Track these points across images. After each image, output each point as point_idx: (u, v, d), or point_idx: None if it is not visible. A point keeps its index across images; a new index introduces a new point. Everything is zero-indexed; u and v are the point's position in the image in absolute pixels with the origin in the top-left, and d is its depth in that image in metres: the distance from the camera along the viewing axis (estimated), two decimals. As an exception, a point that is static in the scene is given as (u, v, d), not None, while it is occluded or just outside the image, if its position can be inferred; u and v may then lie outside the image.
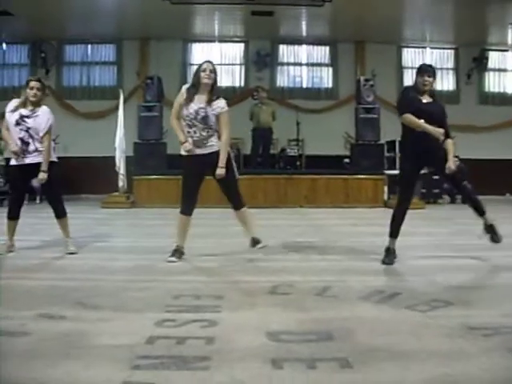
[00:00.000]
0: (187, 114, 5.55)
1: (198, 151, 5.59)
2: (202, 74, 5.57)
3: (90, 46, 16.72)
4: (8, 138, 5.93)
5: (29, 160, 5.92)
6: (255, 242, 5.84)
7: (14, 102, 5.94)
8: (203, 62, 5.73)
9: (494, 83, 17.60)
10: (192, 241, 5.84)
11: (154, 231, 8.17)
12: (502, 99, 17.36)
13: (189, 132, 5.60)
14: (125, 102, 13.51)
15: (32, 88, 5.88)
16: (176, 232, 5.75)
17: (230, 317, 3.63)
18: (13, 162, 6.00)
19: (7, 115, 5.91)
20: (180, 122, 5.65)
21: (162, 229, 8.08)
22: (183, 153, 5.65)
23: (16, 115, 5.86)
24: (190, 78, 16.42)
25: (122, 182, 12.56)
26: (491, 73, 17.60)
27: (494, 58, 17.56)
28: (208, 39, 16.62)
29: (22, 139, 5.87)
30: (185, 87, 5.67)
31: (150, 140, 13.18)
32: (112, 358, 2.80)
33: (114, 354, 2.87)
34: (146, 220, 9.89)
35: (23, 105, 5.91)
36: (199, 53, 16.87)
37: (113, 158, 12.47)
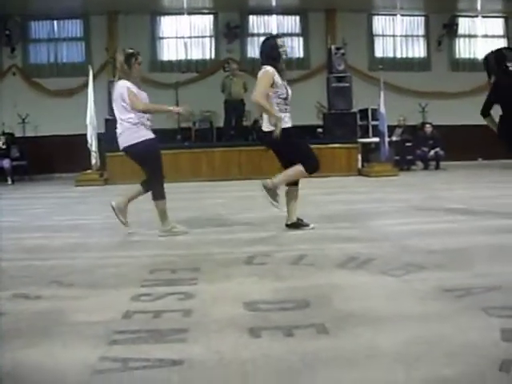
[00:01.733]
0: (282, 92, 5.55)
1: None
2: (281, 51, 5.59)
3: (56, 22, 16.44)
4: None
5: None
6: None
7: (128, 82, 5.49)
8: (274, 38, 5.76)
9: (464, 50, 17.71)
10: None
11: (128, 207, 8.11)
12: (472, 65, 17.44)
13: (286, 110, 5.61)
14: (94, 78, 13.36)
15: (140, 63, 5.62)
16: None
17: (207, 289, 3.63)
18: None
19: (137, 92, 5.52)
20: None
21: (135, 205, 8.02)
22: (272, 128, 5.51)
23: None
24: (160, 52, 16.33)
25: (94, 160, 12.45)
26: (461, 39, 17.68)
27: (464, 25, 17.64)
28: (177, 12, 16.43)
29: None
30: (271, 68, 5.52)
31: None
32: (89, 335, 2.79)
33: (91, 330, 2.86)
34: (120, 197, 9.81)
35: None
36: (168, 26, 16.69)
37: (85, 136, 12.34)
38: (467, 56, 17.66)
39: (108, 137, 12.76)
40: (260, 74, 5.52)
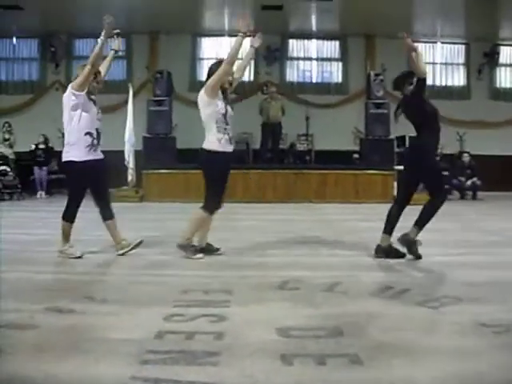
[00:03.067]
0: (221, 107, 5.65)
1: None
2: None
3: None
4: None
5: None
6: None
7: None
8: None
9: (505, 78, 17.48)
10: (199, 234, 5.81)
11: (163, 225, 8.17)
12: (512, 95, 17.24)
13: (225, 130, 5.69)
14: (134, 96, 13.55)
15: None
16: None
17: (239, 312, 3.61)
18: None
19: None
20: None
21: (170, 223, 8.08)
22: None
23: None
24: (199, 73, 16.50)
25: (131, 177, 12.58)
26: (502, 68, 17.48)
27: (505, 53, 17.44)
28: (217, 33, 16.58)
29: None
30: None
31: (159, 134, 13.20)
32: (121, 353, 2.80)
33: (123, 348, 2.86)
34: (155, 214, 9.89)
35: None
36: (209, 47, 16.87)
37: (122, 152, 12.49)
38: (508, 85, 17.44)
39: (145, 155, 12.96)
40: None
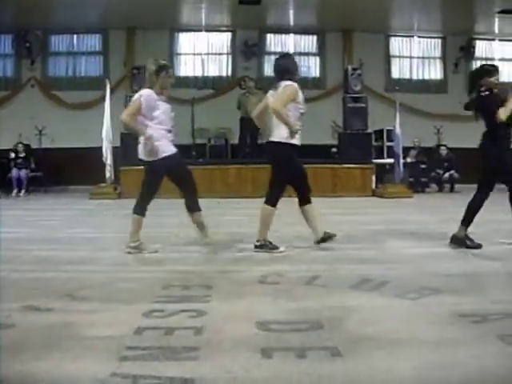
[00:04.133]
0: (302, 107, 5.75)
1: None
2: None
3: (75, 36, 16.60)
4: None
5: None
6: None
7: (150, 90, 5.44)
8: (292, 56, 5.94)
9: (481, 72, 17.58)
10: (181, 230, 5.80)
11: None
12: (489, 88, 17.36)
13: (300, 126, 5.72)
14: (111, 92, 13.44)
15: (171, 76, 5.63)
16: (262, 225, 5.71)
17: (219, 306, 3.61)
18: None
19: (153, 104, 5.43)
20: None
21: (148, 219, 8.02)
22: (295, 142, 5.64)
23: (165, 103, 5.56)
24: (177, 68, 16.42)
25: (109, 173, 12.48)
26: (478, 62, 17.58)
27: (481, 47, 17.60)
28: (195, 28, 16.56)
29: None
30: (296, 85, 5.61)
31: (137, 131, 13.10)
32: (100, 350, 2.77)
33: (102, 345, 2.84)
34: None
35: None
36: (186, 42, 16.80)
37: (100, 149, 12.39)
38: (484, 79, 17.57)
39: (123, 151, 12.87)
40: (284, 86, 5.48)
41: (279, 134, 5.57)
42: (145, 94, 5.36)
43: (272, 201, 5.60)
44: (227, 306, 3.64)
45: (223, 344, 2.87)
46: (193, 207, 5.51)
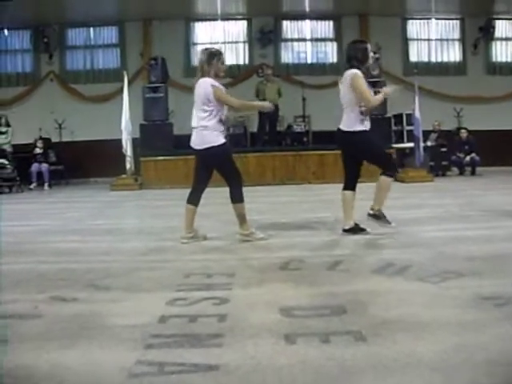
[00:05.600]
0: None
1: None
2: (371, 55, 5.71)
3: (92, 29, 16.64)
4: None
5: None
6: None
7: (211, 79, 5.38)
8: (365, 43, 5.83)
9: (501, 53, 17.38)
10: (200, 220, 5.82)
11: (163, 212, 8.19)
12: (509, 69, 17.15)
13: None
14: (129, 83, 13.48)
15: (223, 62, 5.55)
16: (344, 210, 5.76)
17: (242, 294, 3.63)
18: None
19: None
20: None
21: (170, 209, 8.08)
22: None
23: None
24: (193, 58, 16.42)
25: (129, 165, 12.56)
26: (498, 42, 17.37)
27: (500, 27, 17.31)
28: (211, 18, 16.50)
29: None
30: (359, 72, 5.52)
31: (155, 121, 13.19)
32: (125, 338, 2.81)
33: (128, 334, 2.88)
34: (155, 201, 9.90)
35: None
36: (202, 32, 16.78)
37: (120, 141, 12.46)
38: (504, 60, 17.35)
39: (143, 142, 12.94)
40: (351, 77, 5.51)
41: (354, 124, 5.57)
42: (212, 81, 5.31)
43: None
44: (249, 293, 3.66)
45: (247, 331, 2.90)
46: (235, 198, 5.50)
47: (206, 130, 5.34)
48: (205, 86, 5.30)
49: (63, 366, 2.50)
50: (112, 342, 2.78)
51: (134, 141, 12.75)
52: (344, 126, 5.60)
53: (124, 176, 12.58)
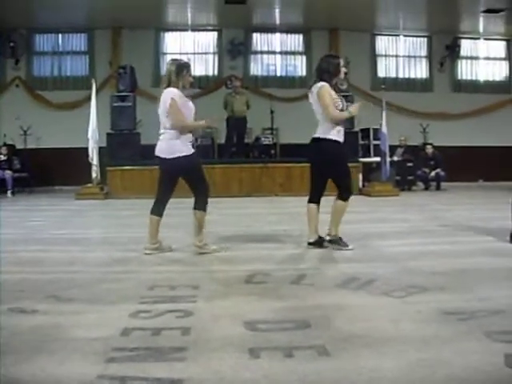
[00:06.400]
0: (339, 104, 5.67)
1: None
2: (343, 70, 5.75)
3: (60, 36, 16.47)
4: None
5: None
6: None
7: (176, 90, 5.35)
8: (337, 58, 5.85)
9: (466, 71, 17.73)
10: (167, 231, 5.78)
11: (129, 222, 8.10)
12: (474, 87, 17.52)
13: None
14: (97, 92, 13.36)
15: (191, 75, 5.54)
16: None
17: (206, 306, 3.60)
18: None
19: (182, 103, 5.35)
20: None
21: (136, 220, 8.01)
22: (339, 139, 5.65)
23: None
24: (163, 68, 16.36)
25: (95, 173, 12.41)
26: (464, 61, 17.73)
27: (466, 46, 17.68)
28: (181, 28, 16.49)
29: None
30: (327, 85, 5.60)
31: (123, 130, 13.08)
32: (86, 352, 2.76)
33: (89, 347, 2.82)
34: (120, 211, 9.80)
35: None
36: (172, 42, 16.75)
37: (86, 149, 12.31)
38: (469, 78, 17.70)
39: (109, 151, 12.82)
40: (318, 89, 5.58)
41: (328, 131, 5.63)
42: (176, 93, 5.29)
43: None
44: (214, 305, 3.64)
45: (211, 344, 2.87)
46: (198, 205, 5.46)
47: (174, 139, 5.31)
48: (167, 96, 5.29)
49: (20, 381, 2.44)
50: (73, 355, 2.72)
51: (101, 150, 12.61)
52: (318, 134, 5.66)
53: (89, 185, 12.42)
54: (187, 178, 5.49)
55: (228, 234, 6.06)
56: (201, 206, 5.44)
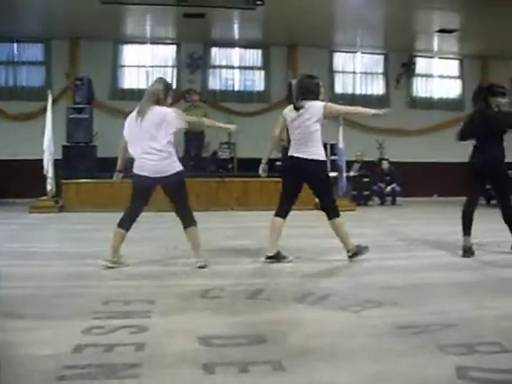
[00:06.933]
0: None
1: None
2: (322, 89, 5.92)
3: (16, 45, 16.19)
4: None
5: None
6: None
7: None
8: (317, 78, 6.02)
9: (421, 88, 18.10)
10: (123, 245, 5.71)
11: (84, 236, 7.97)
12: (428, 104, 17.88)
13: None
14: (53, 103, 13.14)
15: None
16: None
17: (161, 322, 3.56)
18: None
19: None
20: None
21: (91, 233, 7.90)
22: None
23: None
24: (120, 81, 16.26)
25: (50, 186, 12.18)
26: (419, 78, 18.09)
27: (421, 64, 18.06)
28: (140, 41, 16.40)
29: None
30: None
31: (79, 143, 12.91)
32: (37, 370, 2.69)
33: (39, 365, 2.76)
34: (76, 225, 9.64)
35: None
36: (130, 54, 16.64)
37: (41, 161, 12.09)
38: (424, 95, 18.06)
39: (65, 163, 12.62)
40: (323, 106, 5.77)
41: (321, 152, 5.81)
42: (170, 109, 5.44)
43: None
44: (169, 321, 3.60)
45: (165, 360, 2.84)
46: (190, 222, 5.55)
47: (171, 156, 5.37)
48: (164, 113, 5.34)
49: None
50: (23, 373, 2.65)
51: (56, 162, 12.41)
52: (309, 155, 5.74)
53: (44, 198, 12.20)
54: (177, 192, 5.52)
55: (185, 248, 6.00)
56: (192, 221, 5.52)
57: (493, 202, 11.03)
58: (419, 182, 15.89)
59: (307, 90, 5.80)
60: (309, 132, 5.72)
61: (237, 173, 13.95)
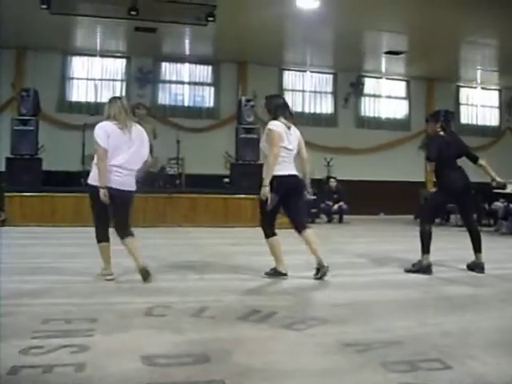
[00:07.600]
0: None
1: None
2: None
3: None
4: None
5: None
6: None
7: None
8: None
9: (369, 108, 18.44)
10: (68, 261, 5.59)
11: (27, 251, 7.76)
12: (376, 123, 18.22)
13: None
14: (-2, 114, 12.88)
15: None
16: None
17: (103, 341, 3.47)
18: None
19: None
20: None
21: (35, 248, 7.70)
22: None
23: None
24: (68, 93, 16.02)
25: (-8, 199, 11.88)
26: (367, 98, 18.42)
27: (369, 85, 18.41)
28: (89, 53, 16.22)
29: None
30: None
31: (24, 155, 12.61)
32: (-30, 391, 2.59)
33: (-27, 385, 2.65)
34: (19, 239, 9.38)
35: None
36: (79, 66, 16.43)
37: (-17, 174, 11.80)
38: (371, 114, 18.40)
39: (9, 176, 12.31)
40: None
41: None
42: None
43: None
44: (111, 339, 3.51)
45: (106, 380, 2.77)
46: (127, 232, 5.62)
47: (135, 173, 5.80)
48: (144, 133, 6.07)
49: None
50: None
51: (-1, 174, 12.12)
52: (297, 172, 6.02)
53: (-14, 211, 11.88)
54: (126, 206, 5.74)
55: (130, 265, 5.91)
56: (128, 231, 5.60)
57: (437, 220, 11.24)
58: (366, 200, 16.12)
59: (280, 108, 6.00)
60: (295, 150, 6.03)
61: (185, 189, 13.86)
